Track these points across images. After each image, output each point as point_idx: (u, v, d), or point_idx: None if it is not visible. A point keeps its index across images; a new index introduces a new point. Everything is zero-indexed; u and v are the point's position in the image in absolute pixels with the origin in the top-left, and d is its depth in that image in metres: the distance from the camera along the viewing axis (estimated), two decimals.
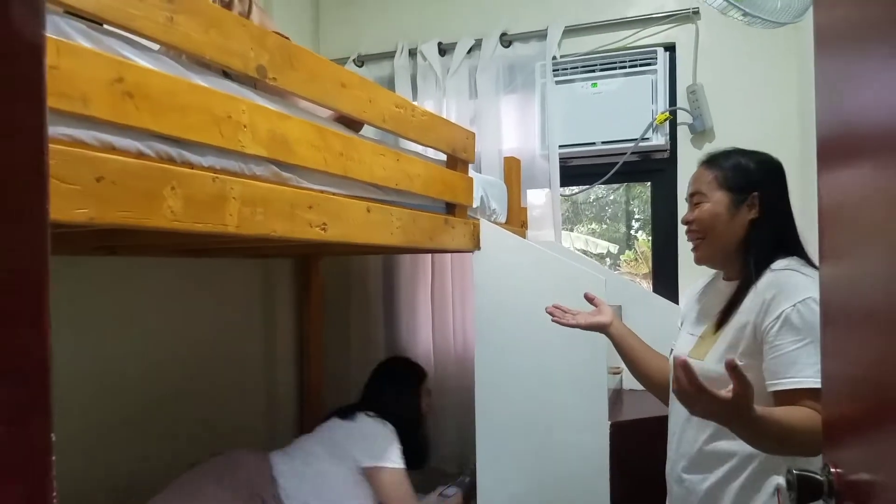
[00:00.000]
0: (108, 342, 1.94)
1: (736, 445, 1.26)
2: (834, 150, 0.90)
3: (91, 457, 1.84)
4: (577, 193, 2.83)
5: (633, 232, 9.69)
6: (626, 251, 9.76)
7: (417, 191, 1.69)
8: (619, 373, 2.39)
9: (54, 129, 0.82)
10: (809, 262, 1.33)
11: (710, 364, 1.30)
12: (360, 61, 2.85)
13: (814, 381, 1.15)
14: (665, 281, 2.66)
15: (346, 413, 2.14)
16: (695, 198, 1.42)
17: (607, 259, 9.08)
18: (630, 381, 2.50)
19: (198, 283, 2.27)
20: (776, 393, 1.22)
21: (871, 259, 0.78)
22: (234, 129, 1.08)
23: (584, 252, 8.96)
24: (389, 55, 2.79)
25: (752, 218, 1.36)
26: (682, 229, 2.59)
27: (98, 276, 1.89)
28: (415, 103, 2.71)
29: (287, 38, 1.55)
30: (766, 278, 1.29)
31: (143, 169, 0.92)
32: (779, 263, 1.31)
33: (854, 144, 0.82)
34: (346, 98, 1.40)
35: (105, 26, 0.90)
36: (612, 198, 8.93)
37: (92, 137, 0.87)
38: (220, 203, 1.05)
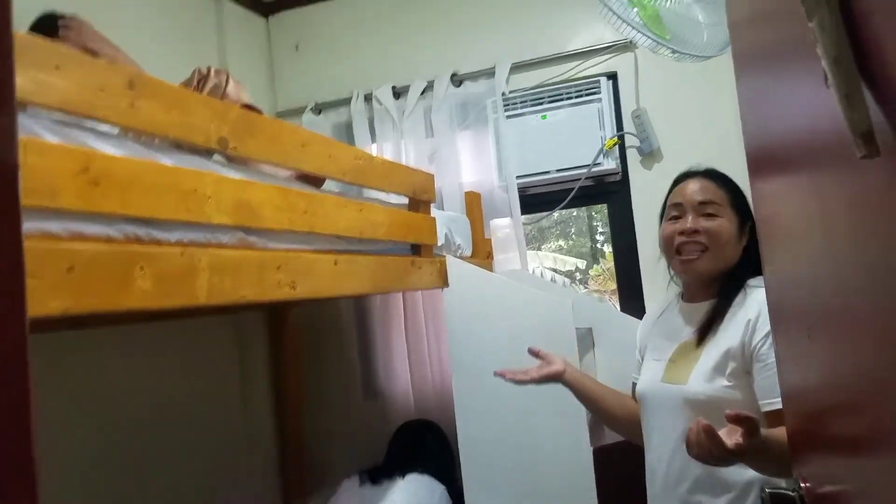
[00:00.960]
0: (83, 411, 1.92)
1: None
2: (760, 164, 0.96)
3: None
4: (537, 221, 2.91)
5: (598, 246, 9.83)
6: (595, 265, 9.89)
7: (382, 237, 1.74)
8: None
9: (27, 225, 0.84)
10: None
11: (695, 386, 1.30)
12: (318, 109, 2.90)
13: None
14: (632, 299, 2.74)
15: (386, 475, 2.15)
16: (707, 207, 1.38)
17: (577, 275, 9.21)
18: None
19: (170, 345, 2.27)
20: (769, 413, 1.22)
21: (799, 266, 0.82)
22: (200, 202, 1.12)
23: (554, 270, 9.09)
24: (346, 101, 2.85)
25: (744, 246, 1.40)
26: (645, 246, 2.69)
27: (68, 347, 1.88)
28: (373, 150, 2.80)
29: (259, 109, 1.60)
30: (748, 297, 1.32)
31: (113, 253, 0.95)
32: (755, 281, 1.33)
33: (774, 159, 0.88)
34: (308, 156, 1.45)
35: (70, 118, 0.93)
36: (574, 214, 9.11)
37: (62, 228, 0.89)
38: (190, 276, 1.08)
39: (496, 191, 2.73)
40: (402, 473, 2.16)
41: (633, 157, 2.67)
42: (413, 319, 2.74)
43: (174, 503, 2.14)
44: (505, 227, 2.79)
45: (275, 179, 1.39)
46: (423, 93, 2.76)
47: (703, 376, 1.30)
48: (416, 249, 1.98)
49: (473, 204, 2.58)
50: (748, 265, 1.38)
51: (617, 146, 2.65)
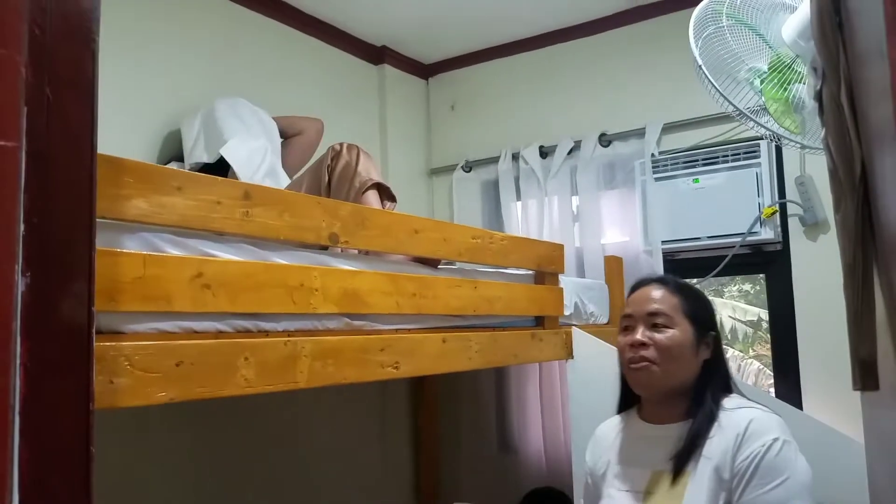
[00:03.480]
0: (235, 472, 2.14)
1: None
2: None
3: None
4: None
5: None
6: None
7: (499, 312, 1.77)
8: None
9: (143, 326, 1.00)
10: (749, 398, 1.30)
11: None
12: (468, 167, 3.01)
13: None
14: (787, 382, 2.51)
15: None
16: (657, 318, 1.30)
17: (762, 324, 8.46)
18: None
19: (315, 406, 2.43)
20: None
21: None
22: (307, 294, 1.23)
23: (734, 318, 8.42)
24: (494, 160, 2.93)
25: (705, 358, 1.31)
26: (805, 323, 2.46)
27: (225, 411, 2.09)
28: (518, 208, 2.84)
29: (387, 186, 1.73)
30: (726, 418, 1.24)
31: (219, 346, 1.08)
32: (730, 402, 1.27)
33: None
34: (420, 242, 1.53)
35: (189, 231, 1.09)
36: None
37: (175, 326, 1.04)
38: (291, 363, 1.19)
39: (641, 255, 2.64)
40: None
41: (795, 226, 2.46)
42: (548, 383, 2.73)
43: None
44: None
45: (388, 265, 1.48)
46: (570, 152, 2.76)
47: None
48: (539, 321, 1.99)
49: (613, 269, 2.52)
50: (712, 381, 1.29)
51: (777, 215, 2.46)
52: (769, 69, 1.37)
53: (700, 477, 1.20)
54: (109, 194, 0.95)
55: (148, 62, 2.14)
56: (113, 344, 0.94)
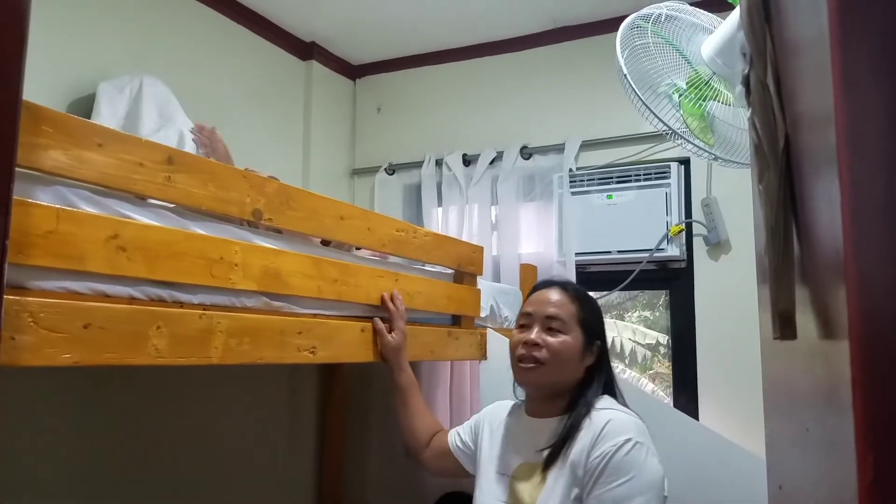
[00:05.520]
0: (130, 446, 2.02)
1: None
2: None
3: None
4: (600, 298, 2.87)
5: None
6: None
7: (419, 307, 1.78)
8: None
9: (51, 284, 0.94)
10: (625, 403, 1.38)
11: None
12: (392, 170, 3.02)
13: None
14: (685, 393, 2.64)
15: None
16: (553, 322, 1.38)
17: (661, 349, 8.86)
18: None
19: (222, 385, 2.35)
20: None
21: None
22: (226, 269, 1.20)
23: (634, 342, 8.80)
24: (418, 164, 2.96)
25: (589, 364, 1.39)
26: (699, 339, 2.60)
27: (124, 382, 1.99)
28: (439, 214, 2.87)
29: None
30: (594, 417, 1.31)
31: (131, 313, 1.03)
32: (601, 402, 1.35)
33: None
34: (345, 229, 1.52)
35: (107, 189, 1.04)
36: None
37: (86, 287, 0.99)
38: (206, 337, 1.15)
39: (555, 265, 2.73)
40: None
41: (699, 245, 2.61)
42: (458, 385, 2.74)
43: None
44: None
45: (307, 246, 1.46)
46: (492, 162, 2.82)
47: (557, 499, 1.28)
48: (456, 320, 2.01)
49: (528, 277, 2.57)
50: (592, 384, 1.38)
51: (683, 233, 2.60)
52: (687, 85, 1.45)
53: (561, 470, 1.29)
54: (24, 142, 0.89)
55: (66, 20, 2.04)
56: (17, 298, 0.88)
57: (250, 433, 2.47)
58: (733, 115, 1.45)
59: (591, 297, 1.49)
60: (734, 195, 2.54)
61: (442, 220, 2.92)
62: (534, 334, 1.38)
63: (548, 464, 1.31)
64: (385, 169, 3.02)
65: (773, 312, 0.52)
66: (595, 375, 1.39)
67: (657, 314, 9.79)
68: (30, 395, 1.61)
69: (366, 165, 3.10)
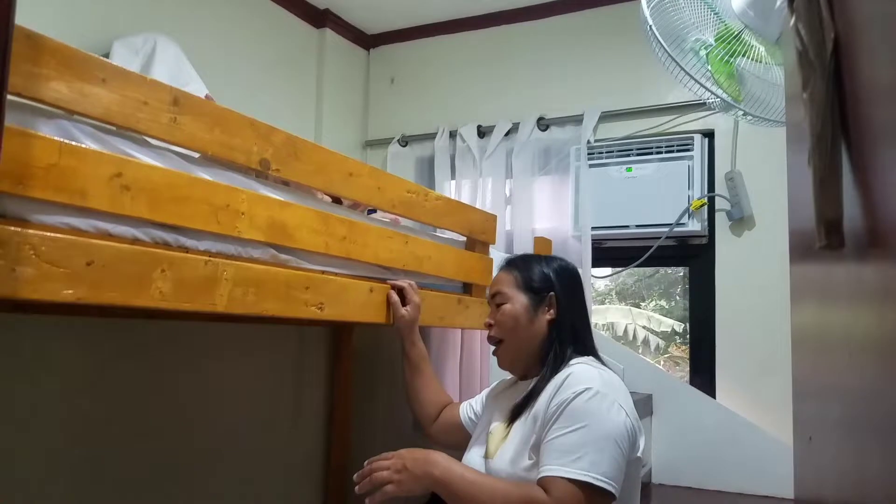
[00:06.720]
0: (136, 403, 2.02)
1: None
2: (799, 244, 0.91)
3: None
4: (609, 276, 2.83)
5: None
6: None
7: (428, 272, 1.75)
8: (644, 464, 2.32)
9: (53, 218, 0.93)
10: (604, 364, 1.35)
11: (498, 464, 1.29)
12: (405, 141, 2.99)
13: (565, 470, 1.14)
14: (701, 371, 2.60)
15: None
16: (496, 298, 1.42)
17: (676, 337, 8.79)
18: (659, 475, 2.42)
19: (232, 347, 2.36)
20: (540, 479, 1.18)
21: None
22: (232, 216, 1.18)
23: (649, 329, 8.73)
24: (431, 136, 2.92)
25: (549, 319, 1.37)
26: (719, 318, 2.55)
27: (133, 338, 1.99)
28: (452, 187, 2.83)
29: None
30: (561, 372, 1.28)
31: (135, 254, 1.02)
32: (576, 360, 1.32)
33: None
34: (354, 186, 1.49)
35: (112, 128, 1.02)
36: (681, 274, 8.71)
37: (89, 225, 0.97)
38: (211, 284, 1.14)
39: (569, 240, 2.69)
40: None
41: (722, 221, 2.55)
42: (469, 357, 2.72)
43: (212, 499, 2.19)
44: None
45: (318, 204, 1.44)
46: (507, 134, 2.78)
47: (509, 455, 1.28)
48: (466, 288, 1.98)
49: (542, 250, 2.53)
50: (559, 338, 1.35)
51: (705, 208, 2.55)
52: (716, 40, 1.41)
53: (524, 423, 1.29)
54: (26, 71, 0.88)
55: None
56: (18, 230, 0.87)
57: (257, 402, 2.47)
58: (765, 71, 1.40)
59: (529, 257, 1.50)
60: (760, 169, 2.48)
61: (455, 194, 2.89)
62: (488, 317, 1.44)
63: (512, 418, 1.32)
64: (398, 141, 2.99)
65: (818, 221, 0.49)
66: (560, 328, 1.37)
67: (673, 303, 9.73)
68: (34, 352, 1.60)
69: (378, 137, 3.07)
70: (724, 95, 1.47)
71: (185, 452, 2.09)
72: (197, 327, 2.22)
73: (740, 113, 1.47)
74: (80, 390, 1.73)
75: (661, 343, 8.81)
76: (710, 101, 1.49)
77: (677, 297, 9.58)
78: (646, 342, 8.48)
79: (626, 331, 8.11)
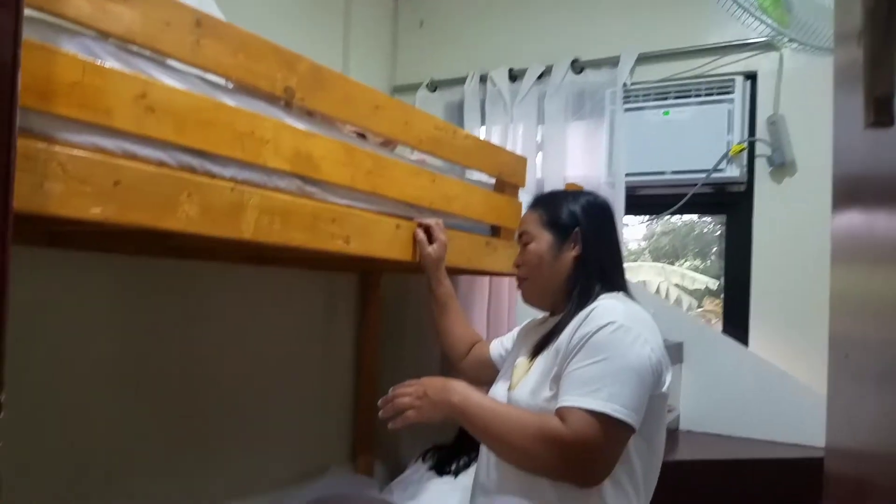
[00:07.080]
0: (166, 343, 2.05)
1: None
2: (847, 192, 0.87)
3: (139, 462, 1.94)
4: (643, 223, 2.78)
5: None
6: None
7: (456, 212, 1.73)
8: (672, 410, 2.30)
9: (79, 137, 0.93)
10: (634, 299, 1.32)
11: (519, 395, 1.28)
12: (433, 86, 2.94)
13: (584, 401, 1.13)
14: (735, 322, 2.55)
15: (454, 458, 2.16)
16: (522, 238, 1.42)
17: (709, 295, 8.67)
18: (687, 422, 2.41)
19: (263, 291, 2.39)
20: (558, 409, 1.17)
21: None
22: (257, 144, 1.17)
23: (681, 287, 8.62)
24: (461, 81, 2.87)
25: (575, 255, 1.34)
26: (755, 267, 2.50)
27: (165, 279, 2.02)
28: (481, 133, 2.79)
29: None
30: (587, 309, 1.25)
31: (161, 176, 1.02)
32: (604, 295, 1.29)
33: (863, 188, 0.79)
34: (381, 120, 1.47)
35: (134, 48, 1.01)
36: (718, 233, 8.55)
37: (115, 145, 0.98)
38: (237, 211, 1.14)
39: (602, 187, 2.64)
40: (470, 461, 2.13)
41: (761, 167, 2.48)
42: (496, 306, 2.71)
43: (240, 449, 2.24)
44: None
45: (344, 137, 1.42)
46: (540, 77, 2.72)
47: (529, 387, 1.27)
48: (495, 231, 1.96)
49: None
50: (584, 274, 1.33)
51: (744, 153, 2.47)
52: None
53: (546, 355, 1.28)
54: None
55: None
56: (45, 147, 0.88)
57: (288, 341, 2.51)
58: None
59: (555, 194, 1.48)
60: (804, 113, 2.39)
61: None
62: (517, 258, 1.44)
63: (536, 351, 1.32)
64: (427, 85, 2.95)
65: (867, 98, 0.47)
66: (585, 264, 1.34)
67: (708, 263, 9.57)
68: (69, 286, 1.64)
69: (407, 82, 3.02)
70: (771, 22, 1.40)
71: (214, 393, 2.14)
72: (228, 269, 2.25)
73: (786, 40, 1.40)
74: (115, 326, 1.77)
75: (694, 302, 8.70)
76: (756, 30, 1.42)
77: (712, 258, 9.43)
78: (678, 301, 8.38)
79: (658, 290, 8.01)
